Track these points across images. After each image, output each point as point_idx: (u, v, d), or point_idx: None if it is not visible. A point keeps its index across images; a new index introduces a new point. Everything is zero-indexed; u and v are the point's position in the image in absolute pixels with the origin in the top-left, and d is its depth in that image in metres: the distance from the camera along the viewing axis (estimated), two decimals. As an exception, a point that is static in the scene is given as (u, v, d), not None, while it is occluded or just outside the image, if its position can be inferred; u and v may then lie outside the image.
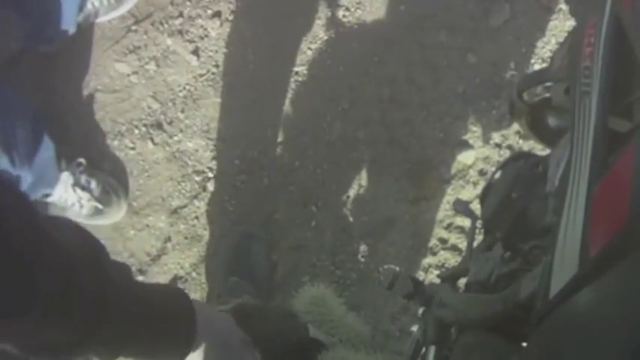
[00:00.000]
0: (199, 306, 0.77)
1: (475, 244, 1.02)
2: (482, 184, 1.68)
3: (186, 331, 0.74)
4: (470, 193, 1.70)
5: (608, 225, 0.50)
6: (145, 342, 0.70)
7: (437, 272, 1.64)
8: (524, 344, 0.70)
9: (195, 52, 1.80)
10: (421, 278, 1.58)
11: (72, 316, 0.60)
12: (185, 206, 1.76)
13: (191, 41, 1.80)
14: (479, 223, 1.02)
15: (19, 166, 1.45)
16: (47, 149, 1.56)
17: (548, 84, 0.90)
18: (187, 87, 1.79)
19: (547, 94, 0.93)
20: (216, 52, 1.80)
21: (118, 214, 1.72)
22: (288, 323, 0.84)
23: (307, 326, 1.00)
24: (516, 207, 0.87)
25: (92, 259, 0.61)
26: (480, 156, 1.71)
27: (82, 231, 0.64)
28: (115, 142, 1.79)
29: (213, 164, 1.77)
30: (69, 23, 1.66)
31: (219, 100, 1.78)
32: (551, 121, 1.02)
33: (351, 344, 1.08)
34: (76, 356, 0.63)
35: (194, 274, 1.72)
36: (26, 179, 1.49)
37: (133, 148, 1.78)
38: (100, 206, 1.68)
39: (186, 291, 0.77)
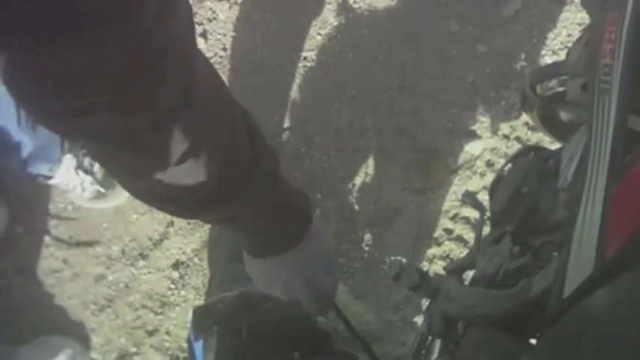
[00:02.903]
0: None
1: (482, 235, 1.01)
2: (489, 175, 1.67)
3: (304, 222, 0.83)
4: (477, 183, 1.69)
5: (626, 227, 0.50)
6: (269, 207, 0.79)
7: (442, 263, 1.64)
8: (533, 341, 0.69)
9: (203, 34, 1.79)
10: (425, 269, 1.58)
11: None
12: (189, 190, 1.74)
13: (199, 23, 1.79)
14: (486, 216, 1.01)
15: (23, 127, 1.44)
16: None
17: (563, 77, 0.89)
18: (194, 70, 1.78)
19: (561, 88, 0.92)
20: (225, 35, 1.79)
21: (120, 197, 1.71)
22: (294, 312, 0.84)
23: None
24: (527, 201, 0.86)
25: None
26: (487, 147, 1.70)
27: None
28: (121, 124, 1.77)
29: (219, 149, 1.75)
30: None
31: (226, 83, 1.77)
32: (564, 115, 1.01)
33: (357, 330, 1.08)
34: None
35: (196, 260, 1.71)
36: (26, 147, 1.48)
37: (138, 131, 1.77)
38: (102, 189, 1.67)
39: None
